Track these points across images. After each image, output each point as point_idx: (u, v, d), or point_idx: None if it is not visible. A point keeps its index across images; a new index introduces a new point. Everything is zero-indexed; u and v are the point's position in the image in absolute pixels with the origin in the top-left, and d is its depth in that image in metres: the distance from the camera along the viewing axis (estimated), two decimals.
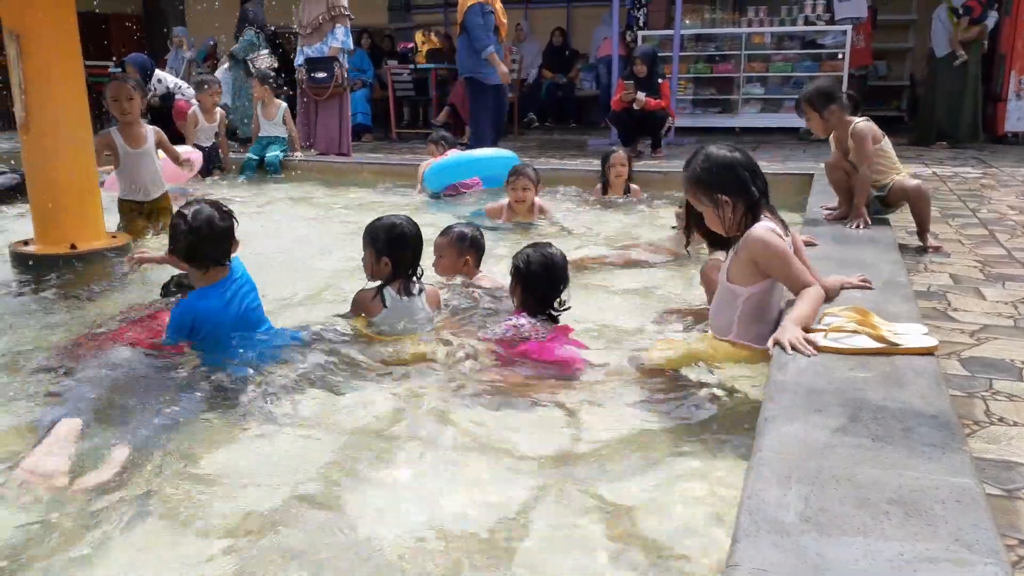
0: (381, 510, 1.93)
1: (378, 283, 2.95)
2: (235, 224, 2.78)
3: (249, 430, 2.35)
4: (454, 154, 6.52)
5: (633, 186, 5.81)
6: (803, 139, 9.78)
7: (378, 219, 3.03)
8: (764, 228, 2.39)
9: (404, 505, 1.95)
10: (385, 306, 2.91)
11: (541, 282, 2.85)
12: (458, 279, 3.43)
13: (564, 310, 2.90)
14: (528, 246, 2.97)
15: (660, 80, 8.43)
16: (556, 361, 2.70)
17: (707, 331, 2.68)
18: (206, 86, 7.68)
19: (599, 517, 1.88)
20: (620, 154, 5.74)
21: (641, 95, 8.12)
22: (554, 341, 2.77)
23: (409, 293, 2.96)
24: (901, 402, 1.84)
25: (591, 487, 2.01)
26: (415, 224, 3.04)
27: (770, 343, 2.14)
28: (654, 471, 2.08)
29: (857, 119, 3.91)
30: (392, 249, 2.93)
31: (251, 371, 2.65)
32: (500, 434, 2.31)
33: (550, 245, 2.98)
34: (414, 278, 3.00)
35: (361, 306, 2.96)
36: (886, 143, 4.01)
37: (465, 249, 3.42)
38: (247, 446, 2.27)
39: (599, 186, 5.86)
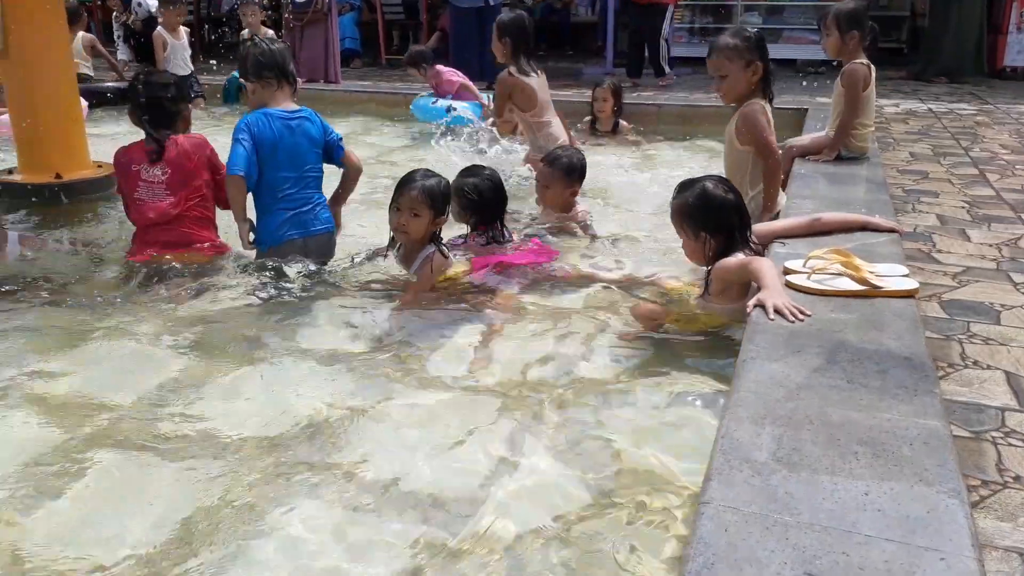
0: (360, 450, 1.99)
1: (432, 244, 2.91)
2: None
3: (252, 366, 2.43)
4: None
5: (623, 122, 5.73)
6: (800, 72, 9.63)
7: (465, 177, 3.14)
8: (730, 259, 2.39)
9: (387, 444, 2.01)
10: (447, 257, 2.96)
11: (492, 203, 3.14)
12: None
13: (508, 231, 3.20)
14: (465, 174, 3.19)
15: None
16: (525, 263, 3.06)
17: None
18: (172, 3, 7.31)
19: (581, 454, 1.94)
20: (602, 89, 5.62)
21: None
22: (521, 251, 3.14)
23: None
24: (878, 344, 1.88)
25: (575, 424, 2.07)
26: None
27: (751, 304, 2.09)
28: (639, 409, 2.14)
29: (860, 58, 3.84)
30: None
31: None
32: (488, 367, 2.38)
33: (484, 168, 3.25)
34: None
35: (444, 268, 2.92)
36: (870, 91, 3.91)
37: (575, 180, 3.54)
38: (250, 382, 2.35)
39: (588, 119, 5.78)
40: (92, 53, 7.91)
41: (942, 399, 1.66)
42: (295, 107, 3.03)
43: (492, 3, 7.83)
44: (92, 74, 7.87)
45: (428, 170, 2.94)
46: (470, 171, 3.26)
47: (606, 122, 5.65)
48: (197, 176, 3.08)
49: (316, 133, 3.02)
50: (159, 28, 7.44)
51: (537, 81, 4.40)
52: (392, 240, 2.98)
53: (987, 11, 8.88)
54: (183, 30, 7.52)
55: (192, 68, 7.52)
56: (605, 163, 5.04)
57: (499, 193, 3.17)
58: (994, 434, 1.70)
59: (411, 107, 6.59)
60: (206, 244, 3.11)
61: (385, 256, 3.07)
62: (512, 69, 4.36)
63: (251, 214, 2.99)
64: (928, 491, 1.35)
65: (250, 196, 2.96)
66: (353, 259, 3.15)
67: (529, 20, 4.53)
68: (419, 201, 2.80)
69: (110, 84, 7.49)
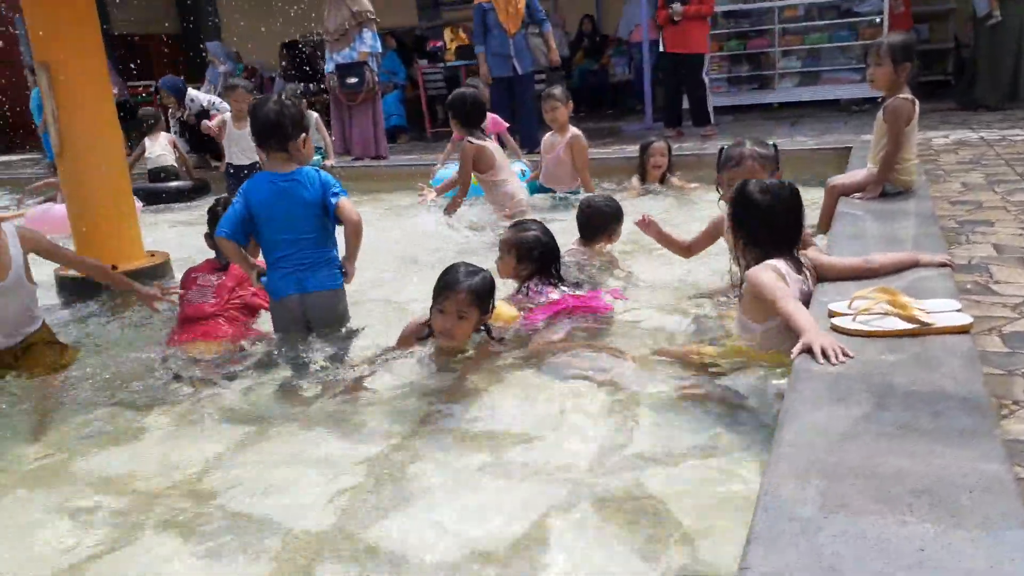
0: (410, 506, 1.95)
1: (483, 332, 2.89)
2: (304, 116, 3.07)
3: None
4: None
5: (672, 178, 5.71)
6: (843, 110, 9.51)
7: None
8: (762, 266, 2.38)
9: (430, 503, 1.98)
10: None
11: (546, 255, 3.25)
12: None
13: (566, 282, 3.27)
14: (516, 227, 3.34)
15: None
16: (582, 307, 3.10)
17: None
18: (233, 91, 7.16)
19: (623, 511, 1.86)
20: (660, 144, 5.66)
21: (677, 5, 7.84)
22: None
23: None
24: (931, 385, 1.77)
25: (616, 480, 1.99)
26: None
27: (796, 350, 2.00)
28: (679, 463, 2.06)
29: (905, 93, 3.76)
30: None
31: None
32: (526, 422, 2.36)
33: (535, 222, 3.40)
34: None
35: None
36: (913, 125, 3.81)
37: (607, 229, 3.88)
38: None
39: (635, 178, 5.77)
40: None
41: (1004, 440, 1.55)
42: (290, 168, 2.98)
43: (522, 72, 8.01)
44: (177, 166, 8.16)
45: (469, 265, 2.81)
46: (523, 225, 3.37)
47: (656, 177, 5.65)
48: (246, 286, 3.31)
49: (311, 196, 2.94)
50: (221, 115, 7.37)
51: (492, 144, 5.13)
52: (429, 334, 2.83)
53: None
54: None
55: (256, 159, 7.50)
56: (663, 211, 4.99)
57: (554, 241, 3.33)
58: None
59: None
60: (230, 334, 3.19)
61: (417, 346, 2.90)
62: (470, 138, 5.00)
63: None
64: (991, 544, 1.24)
65: None
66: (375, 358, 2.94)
67: (474, 95, 5.17)
68: (467, 303, 2.68)
69: (171, 184, 7.80)
